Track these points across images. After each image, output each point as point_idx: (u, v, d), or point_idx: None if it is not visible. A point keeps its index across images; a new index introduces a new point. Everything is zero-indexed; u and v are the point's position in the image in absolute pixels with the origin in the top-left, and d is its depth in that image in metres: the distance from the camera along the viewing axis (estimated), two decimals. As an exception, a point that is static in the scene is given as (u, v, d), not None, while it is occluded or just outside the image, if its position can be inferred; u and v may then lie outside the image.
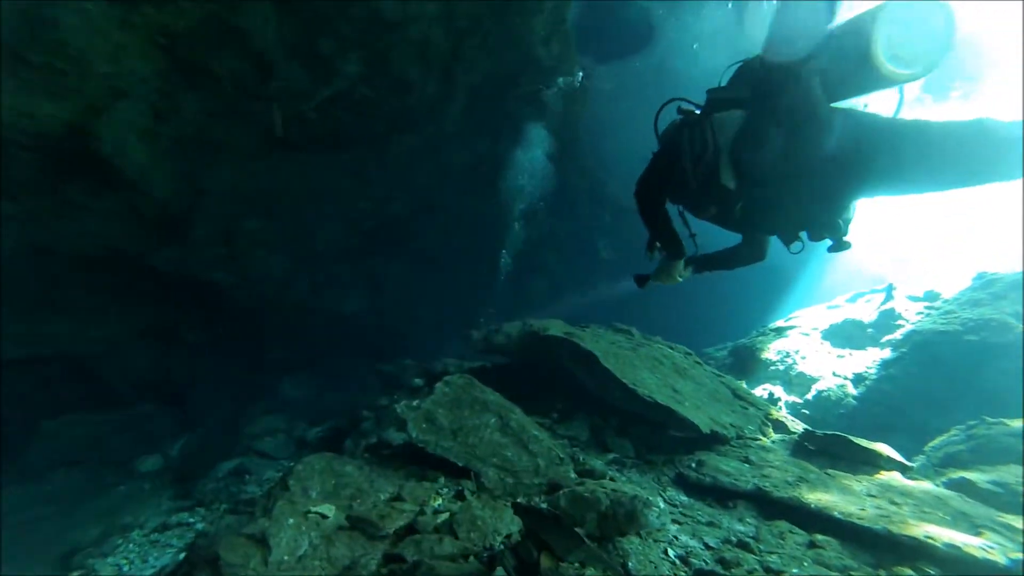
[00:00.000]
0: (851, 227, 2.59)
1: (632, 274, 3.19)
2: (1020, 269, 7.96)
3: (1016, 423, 4.81)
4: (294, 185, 7.94)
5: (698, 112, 2.77)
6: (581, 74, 9.88)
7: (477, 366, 7.23)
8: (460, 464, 3.57)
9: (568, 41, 8.88)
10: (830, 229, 2.56)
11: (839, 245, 2.57)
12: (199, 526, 5.60)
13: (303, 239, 9.07)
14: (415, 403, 4.31)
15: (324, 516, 3.07)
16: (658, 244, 2.99)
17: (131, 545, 5.39)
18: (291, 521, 2.93)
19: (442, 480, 3.50)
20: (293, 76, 5.98)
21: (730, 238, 3.21)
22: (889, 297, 9.24)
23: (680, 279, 3.06)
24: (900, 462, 3.91)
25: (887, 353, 7.76)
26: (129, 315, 8.48)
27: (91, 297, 7.66)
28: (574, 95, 9.98)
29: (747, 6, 10.75)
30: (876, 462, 3.91)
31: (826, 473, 3.78)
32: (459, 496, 3.26)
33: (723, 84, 2.76)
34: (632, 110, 3.17)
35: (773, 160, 2.48)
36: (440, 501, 3.21)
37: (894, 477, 3.75)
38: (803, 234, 2.66)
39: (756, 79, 2.54)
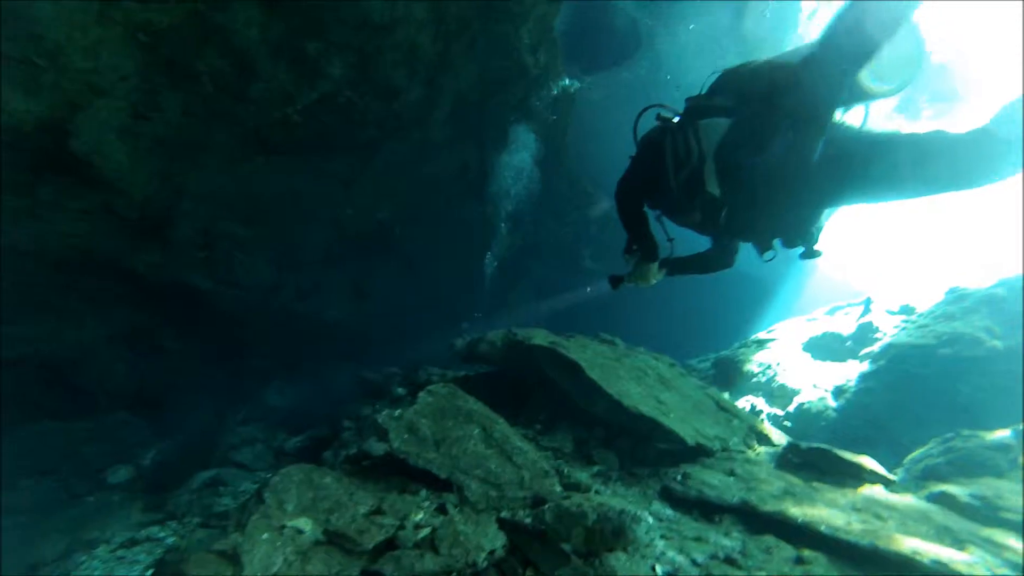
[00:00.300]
0: (822, 236, 2.67)
1: (608, 275, 3.26)
2: (989, 284, 8.16)
3: (990, 435, 4.88)
4: (278, 189, 7.80)
5: (676, 119, 2.82)
6: (569, 82, 9.94)
7: (461, 375, 7.15)
8: (443, 476, 3.48)
9: (555, 49, 8.92)
10: (804, 237, 2.62)
11: (811, 253, 2.64)
12: (169, 541, 5.38)
13: (286, 244, 8.91)
14: (397, 413, 4.22)
15: (300, 531, 2.96)
16: (635, 246, 3.04)
17: (95, 562, 5.12)
18: (265, 536, 2.82)
19: (424, 493, 3.41)
20: (277, 77, 5.88)
21: (702, 244, 3.30)
22: (867, 310, 9.39)
23: (654, 281, 3.13)
24: (883, 475, 3.92)
25: (866, 366, 7.86)
26: (105, 319, 8.22)
27: (65, 300, 7.40)
28: (562, 103, 10.03)
29: (746, 6, 10.93)
30: (860, 475, 3.92)
31: (811, 486, 3.78)
32: (441, 510, 3.18)
33: (703, 93, 2.81)
34: (620, 120, 3.21)
35: (765, 166, 2.48)
36: (421, 515, 3.12)
37: (878, 490, 3.76)
38: (776, 242, 2.71)
39: (746, 86, 2.57)
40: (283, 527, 2.97)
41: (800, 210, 2.61)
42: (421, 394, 4.29)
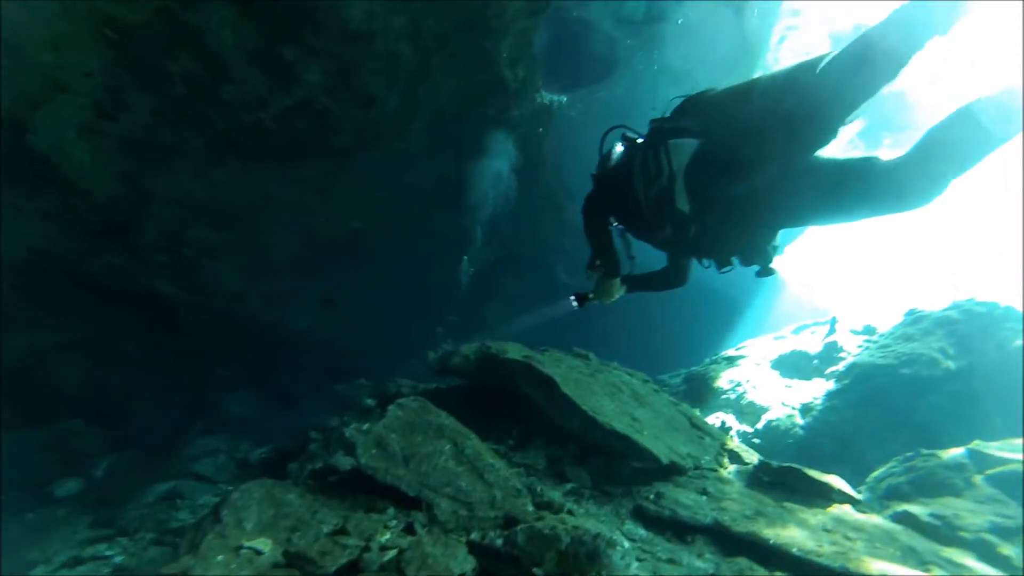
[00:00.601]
0: (777, 255, 2.84)
1: (571, 293, 3.43)
2: (943, 307, 8.46)
3: (946, 455, 5.02)
4: (249, 195, 7.61)
5: (640, 140, 2.98)
6: (547, 96, 10.01)
7: (432, 388, 7.02)
8: (411, 494, 3.38)
9: (534, 65, 8.99)
10: (761, 256, 2.78)
11: (767, 271, 2.81)
12: (118, 560, 5.06)
13: (256, 252, 8.68)
14: (365, 427, 4.10)
15: (259, 552, 2.81)
16: (598, 262, 3.19)
17: (30, 586, 4.79)
18: (220, 558, 2.67)
19: (391, 511, 3.29)
20: (251, 81, 5.75)
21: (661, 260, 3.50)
22: (832, 330, 9.62)
23: (617, 296, 3.29)
24: (850, 495, 3.97)
25: (831, 384, 8.04)
26: (62, 324, 7.86)
27: (19, 304, 7.05)
28: (541, 117, 10.09)
29: (745, 6, 11.20)
30: (828, 495, 3.96)
31: (782, 506, 3.79)
32: (409, 530, 3.07)
33: (667, 116, 2.96)
34: (597, 137, 3.31)
35: (741, 192, 2.58)
36: (388, 535, 3.01)
37: (846, 510, 3.80)
38: (735, 259, 2.86)
39: (712, 111, 2.70)
40: (240, 548, 2.82)
41: (763, 231, 2.76)
42: (391, 407, 4.17)
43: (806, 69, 2.36)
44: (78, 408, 8.31)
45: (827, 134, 2.40)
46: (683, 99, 2.92)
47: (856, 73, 2.23)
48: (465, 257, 11.75)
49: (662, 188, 2.71)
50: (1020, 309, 7.88)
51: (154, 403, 9.19)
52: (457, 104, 8.42)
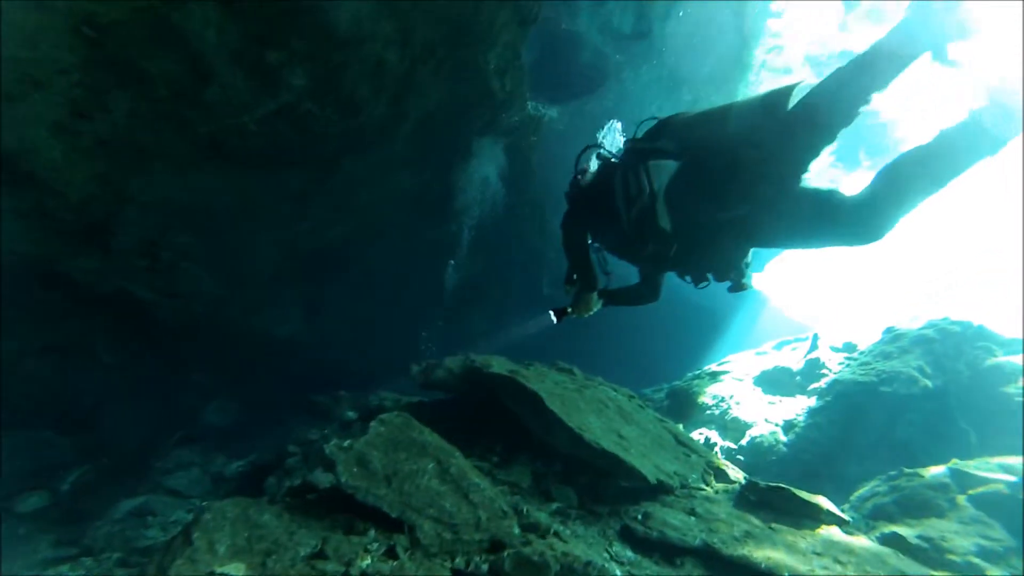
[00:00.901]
0: (751, 272, 2.98)
1: (550, 308, 3.48)
2: (919, 326, 8.61)
3: (928, 473, 5.05)
4: (230, 200, 7.42)
5: (614, 159, 3.14)
6: (534, 107, 10.02)
7: (416, 401, 6.89)
8: (393, 515, 3.25)
9: (522, 75, 8.98)
10: (736, 271, 2.90)
11: (740, 286, 2.92)
12: (80, 582, 4.83)
13: (236, 257, 8.46)
14: (347, 443, 3.96)
15: (232, 578, 2.68)
16: (575, 276, 3.28)
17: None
18: (190, 586, 2.53)
19: (372, 533, 3.17)
20: (234, 84, 5.61)
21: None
22: (814, 346, 9.72)
23: (594, 310, 3.37)
24: (838, 516, 3.95)
25: (813, 401, 8.10)
26: (32, 328, 7.54)
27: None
28: (528, 129, 10.08)
29: (745, 6, 11.34)
30: (817, 516, 3.93)
31: (771, 527, 3.75)
32: (391, 553, 2.95)
33: (639, 136, 3.09)
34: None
35: (725, 215, 2.68)
36: (368, 560, 2.89)
37: (834, 532, 3.77)
38: (710, 275, 2.98)
39: (685, 133, 2.82)
40: (211, 573, 2.68)
41: (739, 250, 2.89)
42: (373, 423, 4.05)
43: (782, 94, 2.47)
44: (49, 416, 7.98)
45: (807, 156, 2.49)
46: (656, 120, 3.02)
47: (851, 82, 2.33)
48: (452, 262, 11.64)
49: (644, 207, 2.78)
50: (995, 326, 8.05)
51: (128, 411, 8.86)
52: (444, 113, 8.37)
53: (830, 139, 2.43)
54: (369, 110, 7.12)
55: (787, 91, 2.45)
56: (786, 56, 12.86)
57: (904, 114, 13.45)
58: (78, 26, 4.42)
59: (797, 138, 2.43)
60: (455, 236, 11.09)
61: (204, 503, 7.22)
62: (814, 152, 2.47)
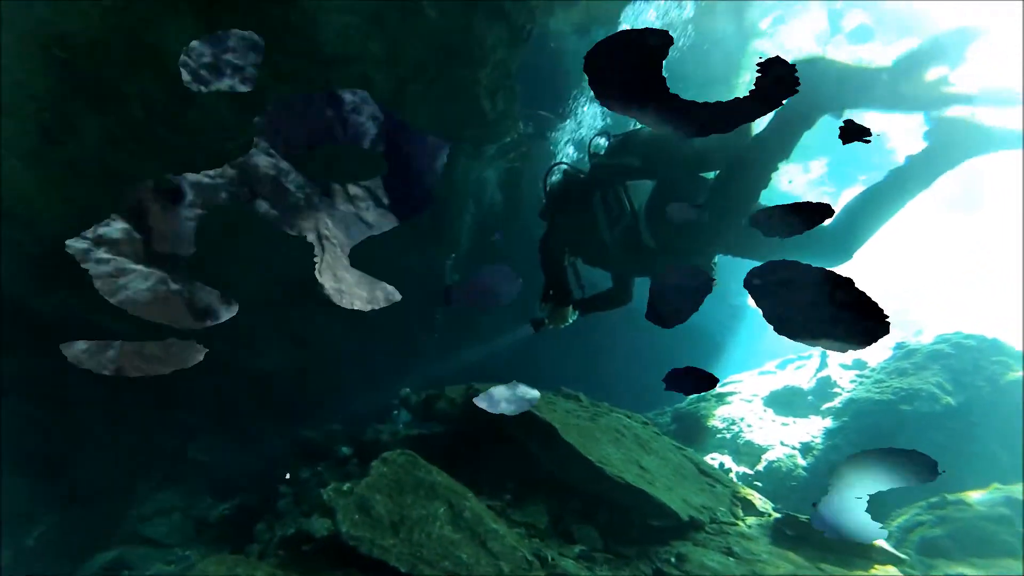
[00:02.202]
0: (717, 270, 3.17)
1: (529, 319, 3.69)
2: (930, 340, 8.40)
3: (973, 498, 4.70)
4: (209, 228, 7.08)
5: (583, 175, 3.31)
6: (526, 127, 9.87)
7: (415, 434, 6.46)
8: (403, 571, 2.86)
9: (513, 96, 8.83)
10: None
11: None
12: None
13: (219, 285, 8.07)
14: (346, 486, 3.57)
15: (216, 660, 2.27)
16: (551, 292, 3.47)
17: None
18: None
19: (379, 594, 2.78)
20: (216, 106, 5.33)
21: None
22: (824, 364, 9.44)
23: (570, 321, 3.57)
24: (893, 554, 3.59)
25: (829, 422, 7.78)
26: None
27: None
28: (519, 149, 9.92)
29: (745, 6, 11.32)
30: (867, 554, 3.56)
31: (818, 567, 3.39)
32: (402, 619, 2.56)
33: (601, 153, 3.25)
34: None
35: (701, 224, 2.82)
36: (377, 628, 2.49)
37: (891, 573, 3.41)
38: None
39: (650, 149, 2.97)
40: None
41: (711, 257, 3.09)
42: (375, 463, 3.67)
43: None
44: (18, 461, 7.40)
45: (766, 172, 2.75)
46: (618, 136, 3.16)
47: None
48: (452, 255, 11.29)
49: (628, 227, 2.98)
50: (1005, 338, 7.87)
51: (101, 453, 8.29)
52: (434, 133, 8.16)
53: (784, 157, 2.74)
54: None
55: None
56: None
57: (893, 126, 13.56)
58: (48, 47, 4.14)
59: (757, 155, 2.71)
60: (449, 249, 10.79)
61: (187, 552, 6.68)
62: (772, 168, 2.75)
